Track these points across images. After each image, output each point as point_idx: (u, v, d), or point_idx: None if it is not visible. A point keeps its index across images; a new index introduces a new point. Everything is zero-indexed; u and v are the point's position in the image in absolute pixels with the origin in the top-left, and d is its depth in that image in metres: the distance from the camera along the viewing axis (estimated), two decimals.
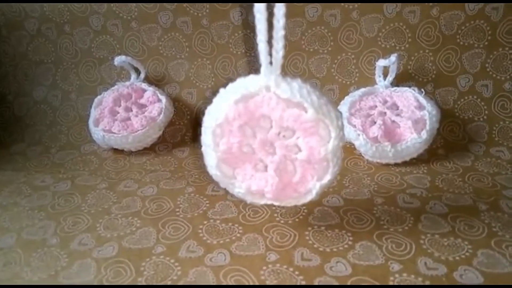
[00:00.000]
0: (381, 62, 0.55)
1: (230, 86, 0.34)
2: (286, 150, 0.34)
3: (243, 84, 0.33)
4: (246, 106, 0.32)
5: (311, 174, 0.34)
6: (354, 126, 0.51)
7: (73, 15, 0.63)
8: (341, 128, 0.32)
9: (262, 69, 0.31)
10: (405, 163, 0.51)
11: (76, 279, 0.34)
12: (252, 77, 0.33)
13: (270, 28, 0.30)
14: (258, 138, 0.34)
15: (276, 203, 0.36)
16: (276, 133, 0.33)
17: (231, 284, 0.33)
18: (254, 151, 0.35)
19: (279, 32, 0.30)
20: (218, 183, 0.37)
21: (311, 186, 0.34)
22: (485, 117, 0.56)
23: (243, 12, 0.60)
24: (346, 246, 0.36)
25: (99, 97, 0.61)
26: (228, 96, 0.33)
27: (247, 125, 0.33)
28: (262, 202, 0.36)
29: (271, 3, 0.30)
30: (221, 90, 0.34)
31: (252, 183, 0.35)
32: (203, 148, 0.36)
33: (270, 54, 0.31)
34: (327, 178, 0.34)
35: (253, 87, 0.32)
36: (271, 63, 0.31)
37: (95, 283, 0.34)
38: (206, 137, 0.34)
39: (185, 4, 0.61)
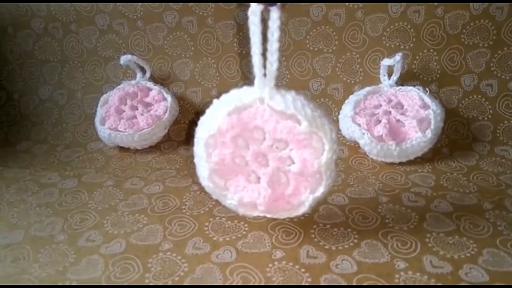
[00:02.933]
0: (386, 62, 0.55)
1: (224, 97, 0.34)
2: (279, 162, 0.34)
3: (237, 96, 0.33)
4: (240, 118, 0.32)
5: (304, 186, 0.34)
6: (359, 125, 0.52)
7: (79, 14, 0.64)
8: (334, 141, 0.32)
9: (256, 81, 0.31)
10: (409, 162, 0.51)
11: (84, 275, 0.35)
12: (246, 88, 0.33)
13: (265, 40, 0.30)
14: (251, 150, 0.34)
15: (268, 215, 0.36)
16: (269, 145, 0.33)
17: (237, 280, 0.33)
18: (247, 163, 0.35)
19: (273, 44, 0.30)
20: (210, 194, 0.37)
21: (304, 198, 0.34)
22: (489, 116, 0.56)
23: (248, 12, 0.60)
24: (351, 244, 0.37)
25: (105, 95, 0.61)
26: (221, 107, 0.33)
27: (240, 136, 0.33)
28: (255, 214, 0.36)
29: (265, 17, 0.30)
30: (215, 101, 0.34)
31: (244, 195, 0.35)
32: (195, 159, 0.36)
33: (265, 66, 0.31)
34: (320, 190, 0.34)
35: (246, 98, 0.32)
36: (265, 75, 0.31)
37: (103, 279, 0.34)
38: (199, 148, 0.34)
39: (190, 4, 0.61)
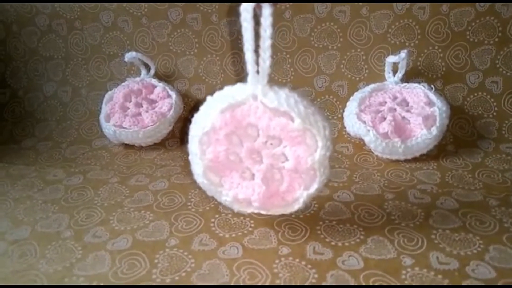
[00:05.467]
0: (391, 59, 0.55)
1: (217, 94, 0.34)
2: (273, 158, 0.34)
3: (230, 93, 0.33)
4: (233, 115, 0.32)
5: (298, 183, 0.34)
6: (364, 122, 0.52)
7: (84, 11, 0.64)
8: (328, 138, 0.32)
9: (249, 78, 0.31)
10: (414, 159, 0.51)
11: (91, 271, 0.35)
12: (239, 85, 0.33)
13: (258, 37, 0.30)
14: (245, 147, 0.34)
15: (263, 212, 0.36)
16: (263, 141, 0.33)
17: (244, 276, 0.33)
18: (241, 160, 0.35)
19: (266, 41, 0.30)
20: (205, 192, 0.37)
21: (298, 195, 0.34)
22: (494, 113, 0.56)
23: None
24: (358, 240, 0.37)
25: (109, 92, 0.61)
26: (215, 104, 0.33)
27: (234, 133, 0.33)
28: (249, 210, 0.36)
29: (257, 13, 0.30)
30: (208, 98, 0.34)
31: (239, 192, 0.35)
32: (190, 157, 0.36)
33: (257, 63, 0.31)
34: (314, 187, 0.34)
35: (240, 96, 0.32)
36: (258, 72, 0.31)
37: (110, 275, 0.34)
38: (193, 145, 0.34)
39: None
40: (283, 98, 0.31)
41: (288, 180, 0.34)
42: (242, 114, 0.32)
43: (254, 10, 0.30)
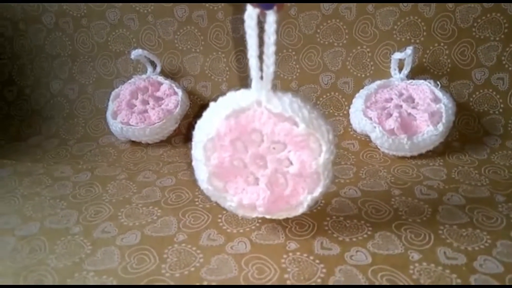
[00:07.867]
0: (397, 55, 0.55)
1: (221, 100, 0.34)
2: (277, 163, 0.34)
3: (234, 99, 0.33)
4: (238, 121, 0.33)
5: (302, 187, 0.34)
6: (370, 118, 0.52)
7: (90, 9, 0.64)
8: (332, 142, 0.33)
9: (253, 84, 0.31)
10: (421, 156, 0.51)
11: (100, 266, 0.35)
12: (243, 91, 0.33)
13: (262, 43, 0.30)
14: (250, 152, 0.34)
15: (267, 216, 0.37)
16: (267, 147, 0.34)
17: (252, 271, 0.33)
18: (246, 165, 0.35)
19: (270, 48, 0.30)
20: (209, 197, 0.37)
21: (302, 198, 0.35)
22: (500, 110, 0.56)
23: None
24: (365, 236, 0.37)
25: (116, 90, 0.61)
26: (219, 110, 0.33)
27: (238, 139, 0.34)
28: (254, 215, 0.36)
29: (261, 20, 0.30)
30: (212, 104, 0.34)
31: (243, 197, 0.35)
32: (193, 163, 0.36)
33: (261, 69, 0.31)
34: (318, 191, 0.34)
35: (244, 102, 0.32)
36: (262, 78, 0.31)
37: (120, 270, 0.34)
38: (197, 151, 0.34)
39: None
40: (287, 103, 0.31)
41: (292, 184, 0.34)
42: (246, 120, 0.33)
43: (258, 16, 0.30)
